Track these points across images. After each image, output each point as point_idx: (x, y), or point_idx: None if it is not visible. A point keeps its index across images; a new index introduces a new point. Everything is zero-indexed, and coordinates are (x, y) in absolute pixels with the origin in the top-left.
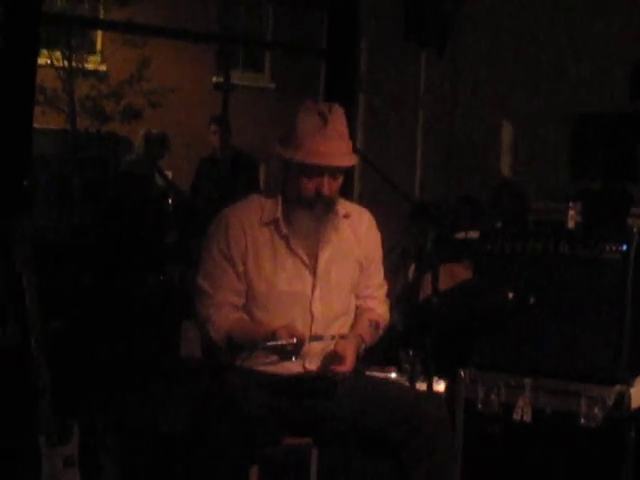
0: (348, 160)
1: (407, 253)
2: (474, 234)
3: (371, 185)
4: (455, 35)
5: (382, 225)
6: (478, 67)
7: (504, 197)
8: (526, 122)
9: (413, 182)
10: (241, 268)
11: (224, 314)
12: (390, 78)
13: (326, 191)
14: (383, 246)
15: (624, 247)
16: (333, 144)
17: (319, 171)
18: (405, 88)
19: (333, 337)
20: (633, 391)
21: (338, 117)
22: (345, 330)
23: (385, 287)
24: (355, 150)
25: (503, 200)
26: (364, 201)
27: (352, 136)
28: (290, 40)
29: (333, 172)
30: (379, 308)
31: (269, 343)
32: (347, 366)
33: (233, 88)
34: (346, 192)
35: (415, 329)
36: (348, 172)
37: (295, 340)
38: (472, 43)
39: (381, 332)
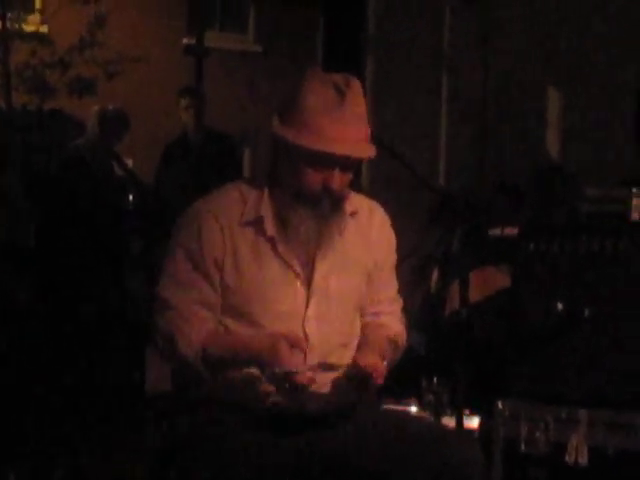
0: (368, 150)
1: (429, 257)
2: (512, 230)
3: (383, 174)
4: None
5: (398, 224)
6: (518, 16)
7: (552, 183)
8: (578, 89)
9: (437, 168)
10: (216, 277)
11: (195, 326)
12: (406, 35)
13: (336, 186)
14: (399, 250)
15: None
16: (351, 129)
17: (331, 162)
18: (425, 47)
19: (354, 366)
20: None
21: (357, 94)
22: (348, 360)
23: (400, 301)
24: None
25: (550, 187)
26: (375, 194)
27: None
28: None
29: (347, 164)
30: (395, 325)
31: (267, 372)
32: (381, 371)
33: (209, 52)
34: (352, 184)
35: (440, 351)
36: (363, 160)
37: (302, 368)
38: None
39: (399, 355)
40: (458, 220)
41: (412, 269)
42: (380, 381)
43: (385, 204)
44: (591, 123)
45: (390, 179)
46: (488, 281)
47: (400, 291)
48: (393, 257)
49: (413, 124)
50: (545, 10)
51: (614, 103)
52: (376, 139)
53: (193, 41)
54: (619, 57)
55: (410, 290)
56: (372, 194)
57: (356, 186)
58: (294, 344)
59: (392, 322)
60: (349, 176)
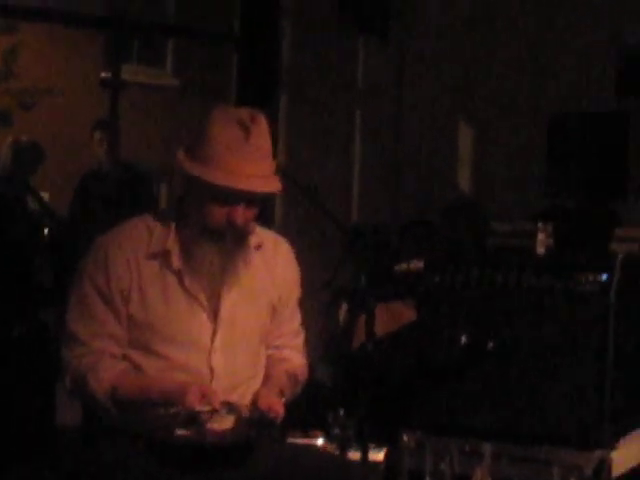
0: (273, 185)
1: (338, 291)
2: (418, 265)
3: (296, 209)
4: (401, 16)
5: (310, 259)
6: (430, 57)
7: (460, 218)
8: (489, 125)
9: (349, 204)
10: (123, 310)
11: (106, 363)
12: (320, 72)
13: (240, 221)
14: (311, 284)
15: (604, 277)
16: (256, 164)
17: (235, 197)
18: (339, 84)
19: (254, 409)
20: (615, 456)
21: (262, 129)
22: (254, 390)
23: (302, 335)
24: (278, 168)
25: (458, 222)
26: (288, 229)
27: (274, 151)
28: (197, 26)
29: (252, 199)
30: (296, 359)
31: (174, 410)
32: (280, 412)
33: (125, 86)
34: (266, 219)
35: (347, 385)
36: (268, 195)
37: (208, 407)
38: (422, 26)
39: (299, 388)
40: (368, 255)
41: (322, 303)
42: (279, 420)
43: (298, 239)
44: (501, 157)
45: (302, 216)
46: (395, 315)
47: (309, 324)
48: (298, 291)
49: (327, 159)
50: (457, 45)
51: (524, 138)
52: (288, 175)
53: (109, 74)
54: (530, 90)
55: (319, 323)
56: (285, 228)
57: (269, 223)
58: (205, 394)
59: (294, 355)
60: (254, 211)
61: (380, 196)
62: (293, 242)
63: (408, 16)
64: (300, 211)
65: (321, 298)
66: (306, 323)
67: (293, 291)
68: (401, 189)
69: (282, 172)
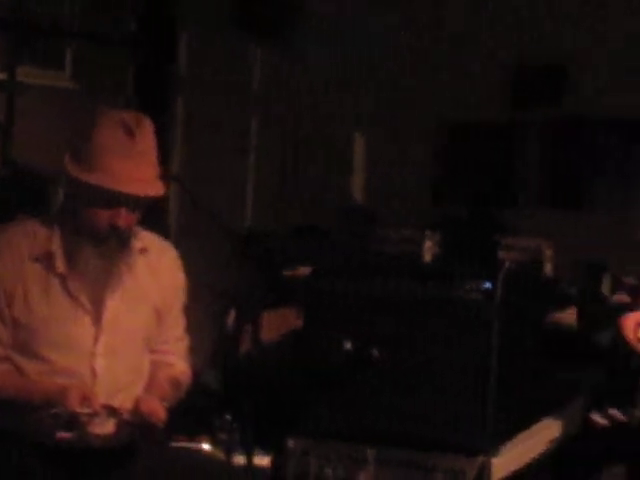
0: (156, 189)
1: (227, 297)
2: (305, 271)
3: (191, 215)
4: (298, 25)
5: (203, 265)
6: (326, 65)
7: (352, 225)
8: (382, 134)
9: (244, 209)
10: (6, 312)
11: None
12: (217, 78)
13: (123, 224)
14: (202, 290)
15: (488, 286)
16: (140, 168)
17: (118, 200)
18: (235, 91)
19: (135, 413)
20: (496, 462)
21: (147, 133)
22: (136, 395)
23: (187, 341)
24: (167, 173)
25: (349, 229)
26: (182, 236)
27: (166, 155)
28: (98, 28)
29: (135, 202)
30: (180, 364)
31: (54, 410)
32: (162, 417)
33: (21, 88)
34: (160, 225)
35: (233, 390)
36: (162, 200)
37: (88, 410)
38: (319, 34)
39: (182, 393)
40: (260, 262)
41: (213, 309)
42: (160, 424)
43: (193, 245)
44: (393, 166)
45: (196, 222)
46: (282, 321)
47: (200, 330)
48: (182, 297)
49: (222, 165)
50: (353, 52)
51: (415, 147)
52: (179, 182)
53: (4, 76)
54: (423, 100)
55: (208, 329)
56: (179, 235)
57: (163, 229)
58: (85, 397)
59: (177, 361)
60: (137, 214)
61: (273, 202)
62: (187, 249)
63: (304, 22)
64: (194, 217)
65: (212, 304)
66: (196, 329)
67: (178, 296)
68: (294, 196)
69: (176, 180)
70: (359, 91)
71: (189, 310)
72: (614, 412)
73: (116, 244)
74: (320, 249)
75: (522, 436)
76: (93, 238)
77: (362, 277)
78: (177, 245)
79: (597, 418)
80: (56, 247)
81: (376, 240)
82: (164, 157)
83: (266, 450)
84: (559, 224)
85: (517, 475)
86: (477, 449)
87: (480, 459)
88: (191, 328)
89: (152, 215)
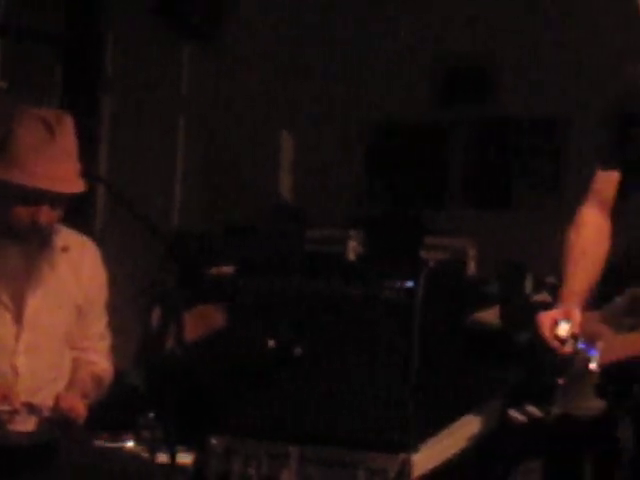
0: (76, 186)
1: (152, 296)
2: (229, 269)
3: (118, 215)
4: (227, 26)
5: (130, 264)
6: (254, 66)
7: (279, 224)
8: (311, 135)
9: (172, 210)
10: None
11: None
12: (144, 78)
13: (44, 221)
14: (124, 288)
15: (410, 284)
16: (60, 166)
17: (39, 197)
18: (163, 91)
19: (56, 410)
20: (416, 459)
21: (67, 131)
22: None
23: (108, 338)
24: (91, 174)
25: (278, 228)
26: (109, 235)
27: (93, 153)
28: (27, 25)
29: (56, 200)
30: (102, 362)
31: None
32: (82, 413)
33: None
34: (87, 224)
35: (157, 388)
36: (89, 198)
37: (8, 407)
38: (247, 36)
39: (104, 391)
40: (186, 261)
41: (137, 307)
42: (81, 421)
43: (119, 245)
44: (321, 165)
45: (124, 221)
46: (205, 320)
47: (126, 328)
48: (104, 294)
49: (149, 165)
50: (281, 54)
51: (343, 147)
52: (103, 181)
53: None
54: (351, 101)
55: (133, 328)
56: (107, 234)
57: (90, 228)
58: (5, 395)
59: (99, 358)
60: (58, 212)
61: (203, 202)
62: (113, 248)
63: (232, 23)
64: (122, 217)
65: (137, 303)
66: (121, 328)
67: (99, 294)
68: (224, 195)
69: (96, 179)
70: (287, 91)
71: (114, 309)
72: (532, 409)
73: (37, 242)
74: (247, 248)
75: (443, 433)
76: (14, 236)
77: (286, 276)
78: (103, 244)
79: (515, 415)
80: None
81: (302, 239)
82: (91, 156)
83: (190, 448)
84: (483, 224)
85: (438, 471)
86: (398, 447)
87: (401, 456)
88: (116, 327)
89: (78, 214)
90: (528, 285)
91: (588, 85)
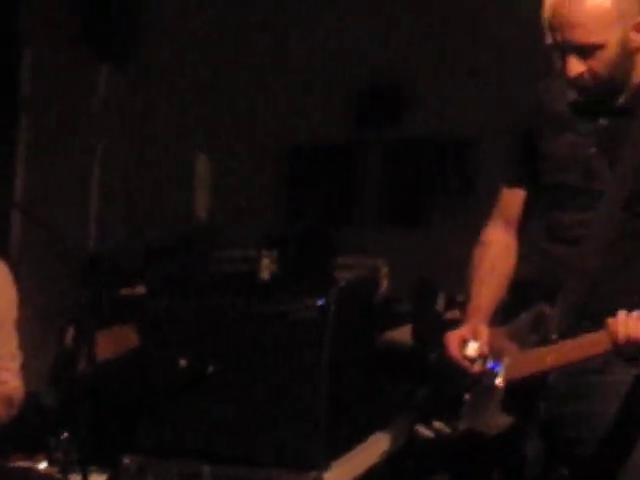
0: None
1: (66, 316)
2: (141, 290)
3: (35, 236)
4: (143, 47)
5: (46, 285)
6: (169, 87)
7: (194, 244)
8: (226, 155)
9: (88, 231)
10: None
11: None
12: (60, 100)
13: None
14: (40, 309)
15: (321, 303)
16: None
17: None
18: (80, 111)
19: None
20: (328, 476)
21: None
22: None
23: (20, 358)
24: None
25: (193, 248)
26: (26, 257)
27: (7, 174)
28: None
29: None
30: (12, 381)
31: None
32: None
33: None
34: (2, 245)
35: (69, 408)
36: (4, 220)
37: None
38: (162, 57)
39: (15, 411)
40: (101, 282)
41: (51, 328)
42: None
43: (34, 266)
44: (237, 186)
45: (42, 240)
46: (119, 339)
47: (37, 348)
48: (14, 313)
49: (66, 187)
50: (197, 75)
51: (258, 167)
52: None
53: None
54: (267, 121)
55: (47, 348)
56: (24, 257)
57: (3, 247)
58: None
59: (10, 378)
60: None
61: (120, 224)
62: (28, 269)
63: (150, 45)
64: (38, 239)
65: (52, 323)
66: (35, 348)
67: (9, 314)
68: (141, 217)
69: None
70: (203, 112)
71: (29, 329)
72: (439, 425)
73: None
74: (161, 269)
75: (354, 450)
76: None
77: (199, 295)
78: (19, 266)
79: (423, 431)
80: None
81: (217, 259)
82: (7, 178)
83: (102, 467)
84: (396, 243)
85: None
86: (310, 464)
87: (312, 474)
88: (31, 347)
89: None
90: (440, 303)
91: (497, 107)
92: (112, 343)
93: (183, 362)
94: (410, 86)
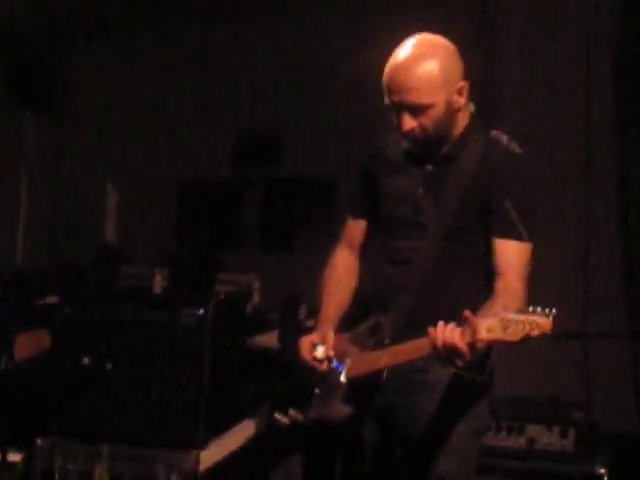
0: None
1: None
2: (53, 300)
3: None
4: (65, 96)
5: None
6: (87, 131)
7: (101, 262)
8: (132, 187)
9: (16, 251)
10: None
11: None
12: None
13: None
14: None
15: (201, 312)
16: None
17: None
18: (10, 151)
19: None
20: (205, 455)
21: None
22: None
23: None
24: None
25: (101, 265)
26: None
27: None
28: None
29: None
30: None
31: None
32: None
33: None
34: None
35: None
36: None
37: None
38: (82, 105)
39: None
40: (17, 293)
41: None
42: None
43: None
44: (138, 214)
45: None
46: (35, 341)
47: None
48: None
49: None
50: (107, 119)
51: (158, 196)
52: None
53: None
54: (163, 158)
55: None
56: None
57: None
58: None
59: None
60: None
61: (42, 245)
62: None
63: (70, 98)
64: None
65: None
66: None
67: None
68: (60, 238)
69: None
70: (115, 152)
71: None
72: (293, 413)
73: None
74: (73, 282)
75: (226, 434)
76: None
77: (102, 305)
78: None
79: (280, 418)
80: None
81: (119, 275)
82: None
83: (20, 448)
84: (271, 264)
85: (222, 464)
86: (190, 445)
87: (193, 453)
88: None
89: None
90: (302, 313)
91: (354, 153)
92: (29, 344)
93: (87, 360)
94: (285, 133)
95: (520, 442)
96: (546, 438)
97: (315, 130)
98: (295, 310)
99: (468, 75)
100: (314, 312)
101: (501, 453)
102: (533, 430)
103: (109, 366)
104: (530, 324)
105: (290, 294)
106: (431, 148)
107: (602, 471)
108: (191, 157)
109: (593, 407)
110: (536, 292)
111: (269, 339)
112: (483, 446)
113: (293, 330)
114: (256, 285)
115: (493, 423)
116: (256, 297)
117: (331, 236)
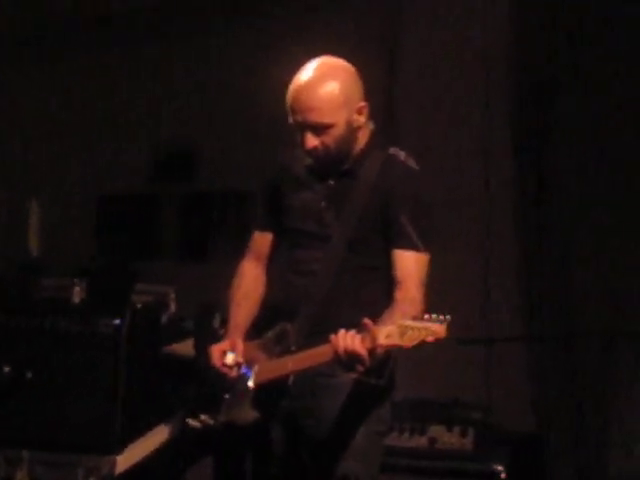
0: None
1: None
2: None
3: None
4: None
5: None
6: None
7: (22, 274)
8: (54, 200)
9: None
10: None
11: None
12: None
13: None
14: None
15: (117, 322)
16: None
17: None
18: None
19: None
20: (120, 459)
21: None
22: None
23: None
24: None
25: (21, 276)
26: None
27: None
28: None
29: None
30: None
31: None
32: None
33: None
34: None
35: None
36: None
37: None
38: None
39: None
40: None
41: None
42: None
43: None
44: (60, 225)
45: None
46: None
47: None
48: None
49: None
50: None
51: (78, 209)
52: None
53: None
54: (84, 172)
55: None
56: None
57: None
58: None
59: None
60: None
61: None
62: None
63: None
64: None
65: None
66: None
67: None
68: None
69: None
70: (39, 167)
71: None
72: (204, 417)
73: None
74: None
75: (141, 439)
76: None
77: (23, 314)
78: None
79: (192, 422)
80: None
81: (39, 286)
82: None
83: None
84: (187, 274)
85: (137, 468)
86: (107, 450)
87: (110, 457)
88: None
89: None
90: (216, 322)
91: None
92: None
93: (7, 369)
94: (200, 149)
95: (422, 442)
96: (447, 438)
97: (227, 146)
98: (209, 318)
99: (370, 94)
100: (227, 321)
101: (404, 453)
102: (434, 430)
103: (28, 374)
104: (426, 330)
105: (204, 303)
106: (333, 164)
107: (499, 468)
108: (113, 171)
109: (493, 408)
110: (439, 297)
111: (185, 347)
112: (387, 446)
113: (207, 338)
114: (172, 295)
115: (396, 424)
116: (172, 306)
117: (244, 246)
